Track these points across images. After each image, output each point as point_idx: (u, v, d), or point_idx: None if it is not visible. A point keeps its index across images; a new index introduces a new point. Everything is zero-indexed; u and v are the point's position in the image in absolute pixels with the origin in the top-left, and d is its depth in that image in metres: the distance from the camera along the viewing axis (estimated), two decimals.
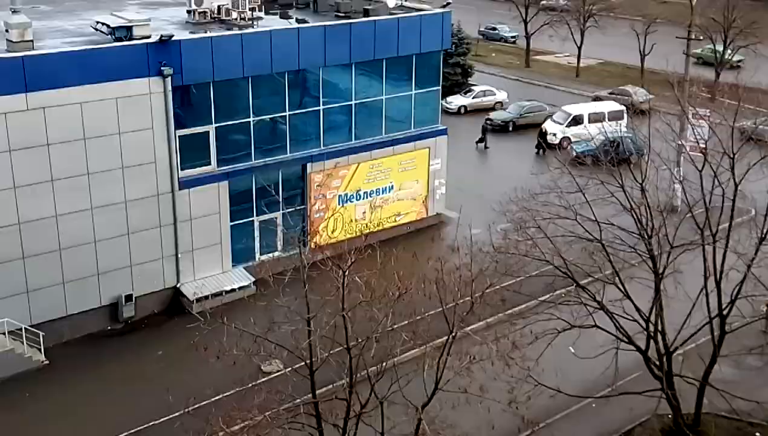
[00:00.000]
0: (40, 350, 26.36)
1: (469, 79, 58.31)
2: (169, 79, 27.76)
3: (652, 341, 20.92)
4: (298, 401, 17.36)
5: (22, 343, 26.07)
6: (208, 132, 29.83)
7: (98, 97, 26.50)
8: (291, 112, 31.85)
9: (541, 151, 46.47)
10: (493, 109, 54.06)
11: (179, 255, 29.68)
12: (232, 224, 30.93)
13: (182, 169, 29.18)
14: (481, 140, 48.04)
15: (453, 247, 21.53)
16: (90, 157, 26.80)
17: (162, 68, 27.54)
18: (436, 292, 17.39)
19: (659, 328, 20.88)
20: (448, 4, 36.06)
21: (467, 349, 17.91)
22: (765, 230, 20.45)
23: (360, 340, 16.70)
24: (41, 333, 26.47)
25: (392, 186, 35.12)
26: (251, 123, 30.88)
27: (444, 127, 36.97)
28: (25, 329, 26.23)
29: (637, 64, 60.73)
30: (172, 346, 27.15)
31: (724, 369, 22.25)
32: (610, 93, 55.19)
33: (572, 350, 22.70)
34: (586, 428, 23.63)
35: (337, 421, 16.64)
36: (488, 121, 50.48)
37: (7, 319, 25.83)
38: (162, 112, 28.04)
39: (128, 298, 28.64)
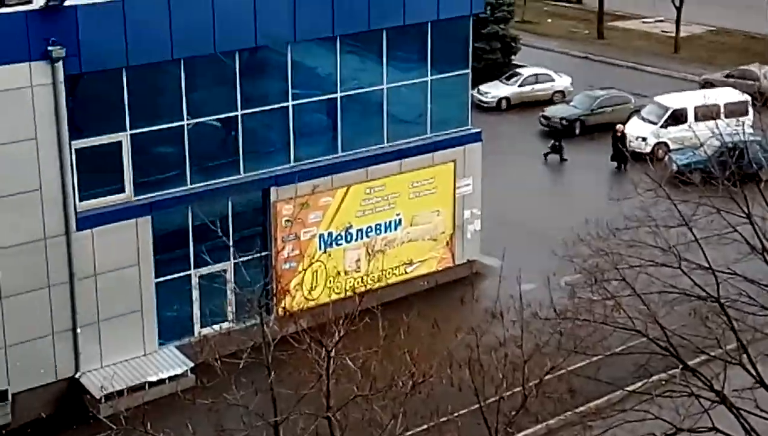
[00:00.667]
0: None
1: (513, 57, 58.80)
2: (60, 64, 27.86)
3: None
4: None
5: None
6: (121, 143, 29.93)
7: None
8: (245, 112, 32.04)
9: (622, 165, 46.65)
10: (550, 102, 54.54)
11: (78, 330, 29.64)
12: (157, 280, 31.06)
13: (81, 199, 29.31)
14: (555, 150, 48.35)
15: (494, 311, 21.49)
16: None
17: (50, 48, 27.61)
18: (469, 380, 17.45)
19: None
20: None
21: None
22: None
23: None
24: None
25: (400, 220, 35.26)
26: (185, 129, 30.99)
27: (477, 131, 37.21)
28: None
29: (761, 32, 61.02)
30: None
31: None
32: (727, 76, 55.46)
33: None
34: None
35: None
36: (544, 120, 50.83)
37: None
38: (50, 114, 28.16)
39: (1, 396, 28.68)
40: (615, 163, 46.92)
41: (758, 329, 21.98)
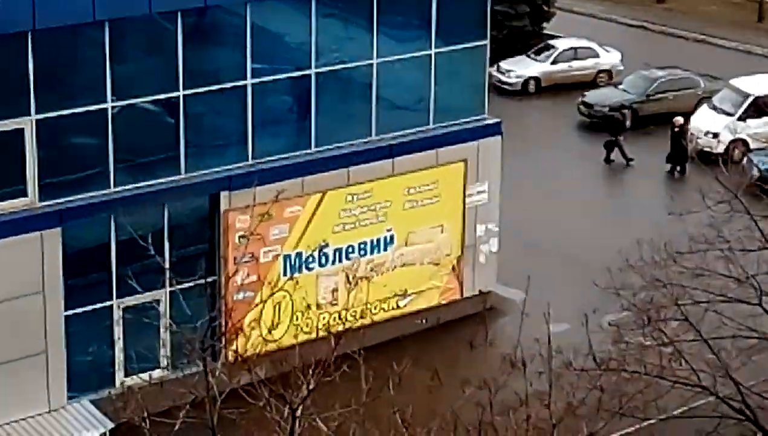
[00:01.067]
0: None
1: (545, 25, 58.89)
2: None
3: None
4: None
5: None
6: (23, 130, 29.93)
7: None
8: (187, 93, 32.01)
9: (679, 168, 46.96)
10: (593, 83, 54.71)
11: None
12: (67, 313, 30.91)
13: None
14: (610, 148, 48.55)
15: (513, 359, 21.47)
16: None
17: None
18: None
19: None
20: None
21: None
22: None
23: None
24: None
25: (392, 237, 35.30)
26: (109, 113, 30.92)
27: (497, 121, 37.30)
28: None
29: None
30: None
31: None
32: None
33: None
34: None
35: None
36: (585, 108, 51.29)
37: None
38: None
39: None
40: (671, 166, 47.16)
41: None
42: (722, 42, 60.94)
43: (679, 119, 48.07)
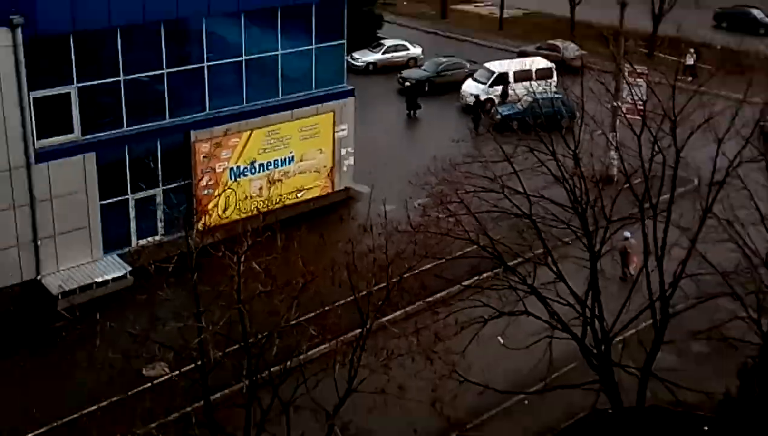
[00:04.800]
0: None
1: (378, 31, 58.42)
2: (19, 30, 27.13)
3: (588, 327, 21.13)
4: (189, 409, 17.23)
5: None
6: (70, 94, 29.24)
7: None
8: (169, 70, 31.50)
9: (480, 124, 45.43)
10: (406, 66, 54.47)
11: (38, 242, 29.15)
12: (102, 203, 30.52)
13: (39, 138, 28.68)
14: (412, 108, 48.24)
15: (365, 226, 21.43)
16: None
17: (11, 17, 26.87)
18: (346, 279, 17.42)
19: (596, 313, 21.10)
20: None
21: (384, 343, 17.95)
22: (710, 202, 20.83)
23: (260, 336, 16.58)
24: None
25: (293, 157, 35.13)
26: (122, 83, 30.40)
27: (351, 88, 37.12)
28: None
29: (567, 15, 62.01)
30: (33, 350, 26.58)
31: (668, 357, 23.04)
32: (538, 48, 56.27)
33: (501, 341, 22.98)
34: (519, 427, 24.17)
35: (236, 431, 16.56)
36: (401, 80, 50.83)
37: None
38: (12, 71, 27.44)
39: None
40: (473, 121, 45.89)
41: (559, 238, 22.49)
42: (479, 41, 61.20)
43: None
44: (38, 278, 29.40)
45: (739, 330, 20.76)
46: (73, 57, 28.93)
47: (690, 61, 48.71)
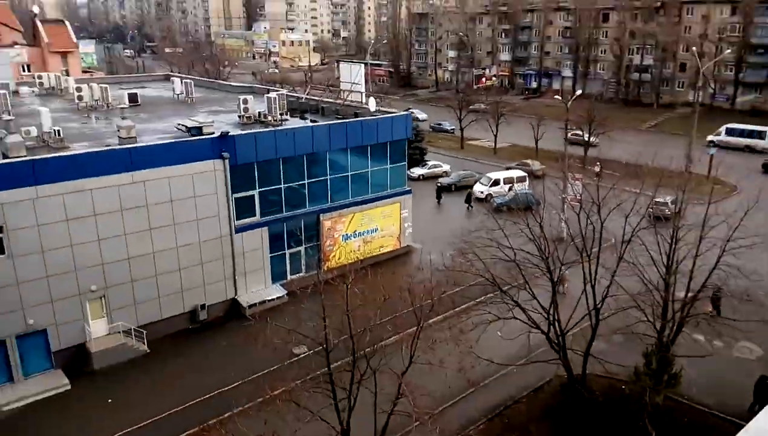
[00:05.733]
0: (143, 342, 25.99)
1: (424, 157, 58.51)
2: (227, 160, 27.63)
3: (551, 326, 20.85)
4: (318, 372, 17.16)
5: (132, 338, 25.74)
6: (254, 195, 29.53)
7: (180, 173, 26.42)
8: (309, 181, 31.59)
9: (469, 206, 45.25)
10: (441, 176, 54.35)
11: (236, 277, 29.24)
12: (271, 255, 30.49)
13: (237, 219, 28.87)
14: (439, 197, 46.60)
15: (418, 267, 21.46)
16: (176, 213, 26.63)
17: (222, 153, 27.45)
18: (408, 297, 17.35)
19: (556, 317, 20.82)
20: (409, 109, 36.61)
21: (431, 334, 17.86)
22: (622, 252, 20.53)
23: (359, 331, 16.52)
24: (144, 331, 26.12)
25: (377, 228, 34.86)
26: (282, 188, 30.58)
27: (409, 189, 36.84)
28: (134, 329, 25.89)
29: (533, 146, 61.50)
30: (233, 338, 26.83)
31: (600, 344, 22.26)
32: (517, 164, 55.71)
33: (500, 334, 22.45)
34: (510, 385, 23.47)
35: (344, 386, 16.45)
36: (439, 184, 50.09)
37: (121, 322, 25.64)
38: (223, 182, 27.83)
39: (203, 306, 28.25)
40: (466, 205, 45.56)
41: (533, 274, 21.99)
42: (482, 161, 60.22)
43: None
44: (236, 296, 29.48)
45: (642, 327, 20.08)
46: (256, 175, 29.24)
47: (597, 169, 47.39)
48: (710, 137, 63.21)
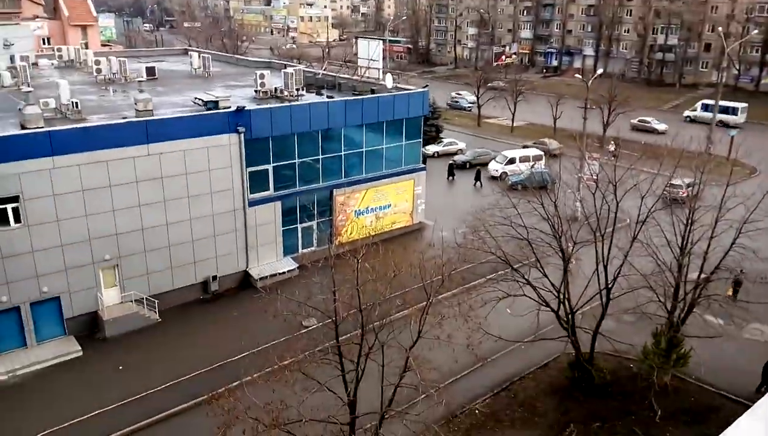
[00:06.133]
0: (155, 311, 26.40)
1: (440, 134, 58.06)
2: (242, 135, 27.66)
3: (561, 305, 20.79)
4: (327, 344, 17.26)
5: (144, 307, 26.14)
6: (268, 169, 29.53)
7: (196, 146, 26.52)
8: (323, 156, 31.55)
9: (477, 183, 45.07)
10: (456, 154, 53.88)
11: (248, 249, 29.45)
12: (283, 229, 30.63)
13: (251, 193, 28.96)
14: (451, 174, 46.92)
15: (430, 243, 21.41)
16: (190, 186, 26.81)
17: (238, 128, 27.46)
18: (419, 273, 17.25)
19: (566, 296, 20.76)
20: (426, 86, 36.21)
21: (440, 310, 17.77)
22: (636, 232, 20.37)
23: (368, 305, 16.48)
24: (156, 301, 26.52)
25: (390, 204, 34.83)
26: (296, 163, 30.59)
27: (424, 166, 36.69)
28: (146, 298, 26.29)
29: (551, 124, 60.74)
30: (244, 309, 27.09)
31: (609, 323, 22.19)
32: (534, 143, 55.15)
33: (509, 311, 22.38)
34: (518, 361, 23.56)
35: (352, 358, 16.56)
36: (453, 162, 49.80)
37: (134, 292, 26.02)
38: (238, 156, 27.91)
39: (214, 278, 28.57)
40: (474, 182, 45.41)
41: (545, 252, 21.82)
42: (499, 139, 59.80)
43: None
44: (247, 269, 29.64)
45: (652, 307, 19.94)
46: (270, 149, 29.24)
47: (612, 148, 46.56)
48: (687, 112, 67.65)
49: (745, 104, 65.73)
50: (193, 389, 21.53)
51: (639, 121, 62.34)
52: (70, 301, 24.90)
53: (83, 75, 40.48)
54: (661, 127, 60.81)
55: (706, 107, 65.89)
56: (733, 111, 64.46)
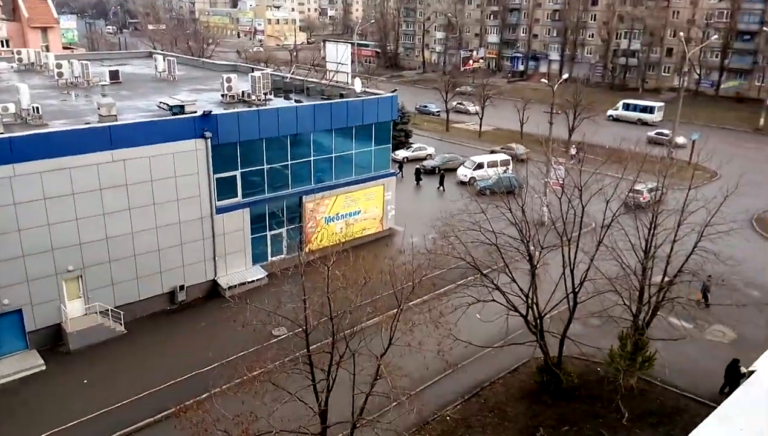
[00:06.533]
0: (120, 323, 25.84)
1: (409, 139, 58.20)
2: (209, 140, 27.33)
3: (530, 309, 20.98)
4: (298, 354, 17.19)
5: (109, 319, 25.56)
6: (236, 175, 29.26)
7: (161, 152, 26.09)
8: (292, 162, 31.36)
9: (441, 188, 45.04)
10: (425, 159, 54.09)
11: (216, 258, 29.10)
12: (252, 236, 30.33)
13: (218, 200, 28.66)
14: (418, 179, 47.38)
15: (400, 250, 21.46)
16: (156, 193, 26.37)
17: (204, 133, 27.15)
18: (389, 280, 17.32)
19: (534, 301, 20.93)
20: (395, 90, 36.36)
21: (410, 317, 17.86)
22: (601, 237, 20.70)
23: (339, 313, 16.47)
24: (121, 312, 25.95)
25: (360, 210, 34.80)
26: (265, 169, 30.33)
27: (393, 171, 36.80)
28: (111, 309, 25.71)
29: (517, 129, 61.61)
30: (212, 319, 26.73)
31: (576, 327, 22.53)
32: (501, 148, 55.82)
33: (479, 316, 22.55)
34: (488, 367, 23.74)
35: (323, 367, 16.50)
36: (422, 167, 49.77)
37: (98, 303, 25.38)
38: (204, 162, 27.57)
39: (181, 287, 28.14)
40: (441, 187, 45.68)
41: (513, 257, 22.03)
42: (467, 145, 60.30)
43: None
44: (215, 278, 29.35)
45: (618, 311, 20.36)
46: (238, 155, 28.94)
47: (573, 151, 47.56)
48: (610, 112, 70.67)
49: (661, 103, 70.50)
50: (160, 402, 21.12)
51: (656, 134, 58.88)
52: (32, 313, 24.18)
53: (44, 79, 39.47)
54: (681, 140, 53.83)
55: (627, 106, 70.99)
56: (650, 110, 69.39)
